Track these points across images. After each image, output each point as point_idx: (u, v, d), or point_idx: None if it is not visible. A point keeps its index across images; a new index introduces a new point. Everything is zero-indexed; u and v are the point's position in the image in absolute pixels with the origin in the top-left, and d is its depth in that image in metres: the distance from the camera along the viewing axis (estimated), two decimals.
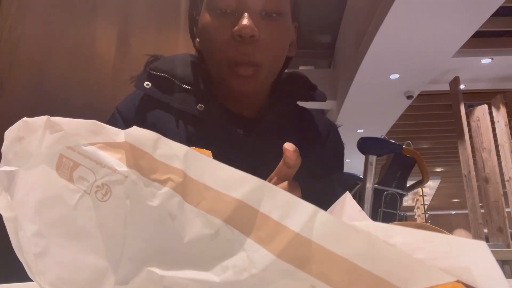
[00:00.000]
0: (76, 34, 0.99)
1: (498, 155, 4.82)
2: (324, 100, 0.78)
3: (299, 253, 0.22)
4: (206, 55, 0.70)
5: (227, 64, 0.64)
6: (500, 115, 4.99)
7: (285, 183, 0.48)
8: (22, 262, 0.29)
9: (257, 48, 0.63)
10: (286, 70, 0.79)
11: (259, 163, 0.63)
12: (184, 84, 0.69)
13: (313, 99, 0.77)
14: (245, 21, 0.60)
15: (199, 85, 0.70)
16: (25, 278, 0.30)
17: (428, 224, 0.37)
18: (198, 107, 0.68)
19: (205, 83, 0.71)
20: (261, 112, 0.74)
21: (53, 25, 0.91)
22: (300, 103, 0.83)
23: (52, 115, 0.29)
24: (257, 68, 0.64)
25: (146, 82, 0.69)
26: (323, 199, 0.55)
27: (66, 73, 0.96)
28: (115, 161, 0.26)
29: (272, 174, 0.50)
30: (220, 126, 0.69)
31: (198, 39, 0.74)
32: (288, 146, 0.47)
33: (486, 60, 4.69)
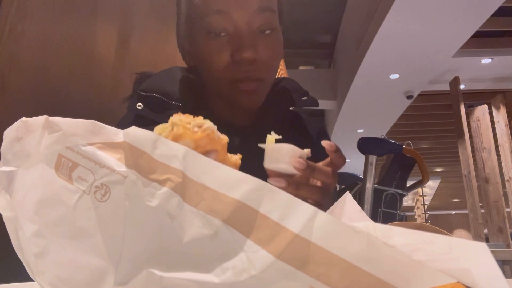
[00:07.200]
0: (76, 34, 0.99)
1: (498, 155, 4.82)
2: (317, 106, 0.80)
3: (299, 254, 0.22)
4: (203, 73, 0.71)
5: (230, 82, 0.66)
6: (500, 115, 4.99)
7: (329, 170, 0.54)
8: (22, 262, 0.29)
9: (257, 65, 0.65)
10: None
11: (257, 168, 0.65)
12: (174, 101, 0.71)
13: (304, 105, 0.79)
14: (246, 46, 0.62)
15: (190, 100, 0.72)
16: (27, 278, 0.30)
17: (428, 224, 0.37)
18: None
19: (197, 97, 0.73)
20: (253, 119, 0.76)
21: (53, 25, 0.91)
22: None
23: (52, 115, 0.29)
24: (259, 83, 0.67)
25: (138, 104, 0.69)
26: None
27: (67, 73, 0.96)
28: (114, 161, 0.26)
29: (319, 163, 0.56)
30: None
31: (191, 58, 0.74)
32: (330, 146, 0.53)
33: (486, 60, 4.69)
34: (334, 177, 0.54)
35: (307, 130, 0.83)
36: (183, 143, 0.40)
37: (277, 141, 0.51)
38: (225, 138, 0.44)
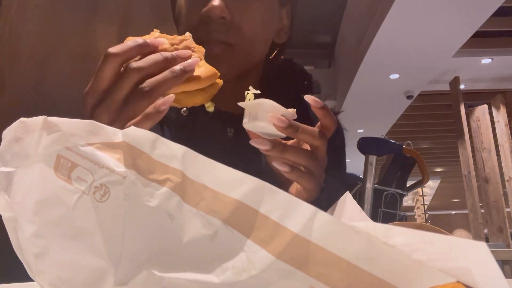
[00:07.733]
0: (77, 34, 0.99)
1: (498, 155, 4.82)
2: (319, 92, 0.74)
3: (299, 254, 0.22)
4: None
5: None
6: (500, 115, 4.99)
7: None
8: (22, 262, 0.29)
9: (227, 27, 0.59)
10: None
11: (252, 164, 0.61)
12: None
13: (307, 91, 0.73)
14: (215, 1, 0.57)
15: None
16: (27, 278, 0.30)
17: (428, 224, 0.37)
18: (182, 111, 0.65)
19: None
20: None
21: (54, 25, 0.91)
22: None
23: (52, 115, 0.29)
24: (228, 48, 0.60)
25: None
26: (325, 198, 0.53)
27: (67, 73, 0.96)
28: (113, 161, 0.26)
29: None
30: (207, 128, 0.65)
31: (177, 24, 0.70)
32: (314, 102, 0.46)
33: (486, 60, 4.69)
34: (322, 138, 0.48)
35: (312, 119, 0.76)
36: (160, 38, 0.46)
37: (257, 96, 0.46)
38: (202, 48, 0.47)
